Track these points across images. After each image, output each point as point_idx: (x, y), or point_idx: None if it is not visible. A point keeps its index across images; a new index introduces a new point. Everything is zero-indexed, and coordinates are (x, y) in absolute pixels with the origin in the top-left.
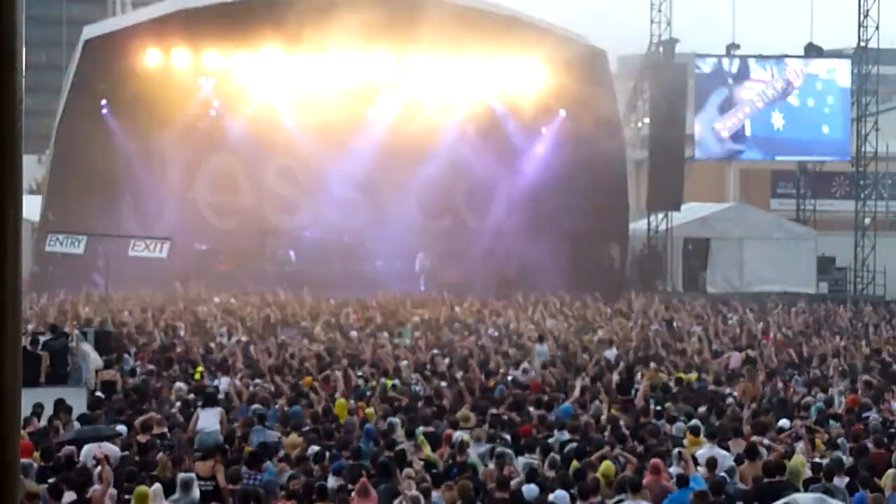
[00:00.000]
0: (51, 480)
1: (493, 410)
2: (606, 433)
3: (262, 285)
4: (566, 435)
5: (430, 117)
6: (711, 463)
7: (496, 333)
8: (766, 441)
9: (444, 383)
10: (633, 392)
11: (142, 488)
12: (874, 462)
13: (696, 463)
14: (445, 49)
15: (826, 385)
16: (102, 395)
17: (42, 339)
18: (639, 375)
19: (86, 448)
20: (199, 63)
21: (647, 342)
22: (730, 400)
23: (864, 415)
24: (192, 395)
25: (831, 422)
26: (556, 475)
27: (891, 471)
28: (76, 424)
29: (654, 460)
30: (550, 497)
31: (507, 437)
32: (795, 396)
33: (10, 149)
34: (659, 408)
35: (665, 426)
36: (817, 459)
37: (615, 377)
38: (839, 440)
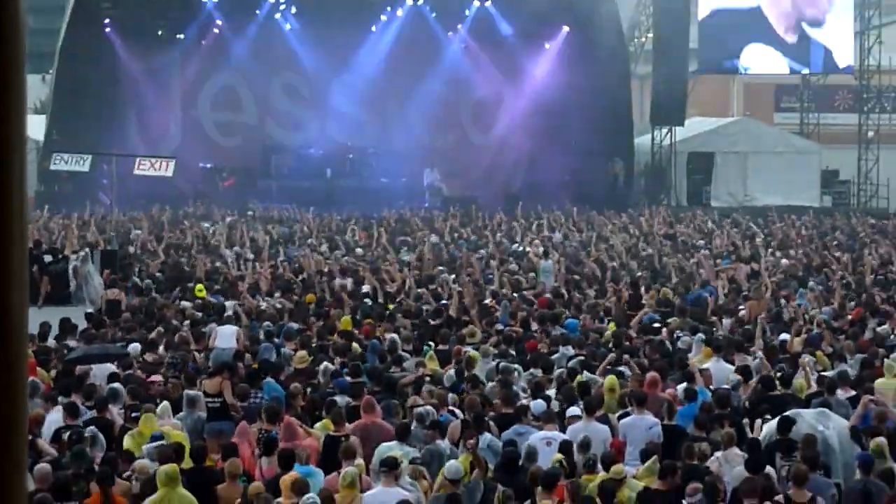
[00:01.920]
0: (64, 399)
1: (499, 326)
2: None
3: (267, 202)
4: (571, 350)
5: (434, 31)
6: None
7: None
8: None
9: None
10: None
11: (149, 406)
12: (876, 375)
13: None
14: None
15: (831, 298)
16: (107, 315)
17: (46, 259)
18: (643, 290)
19: (96, 368)
20: None
21: (651, 258)
22: (742, 312)
23: (872, 327)
24: (198, 314)
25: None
26: (562, 390)
27: (893, 382)
28: (73, 343)
29: (651, 374)
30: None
31: (513, 352)
32: (796, 310)
33: (13, 68)
34: (661, 324)
35: (666, 341)
36: (823, 372)
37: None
38: (845, 353)
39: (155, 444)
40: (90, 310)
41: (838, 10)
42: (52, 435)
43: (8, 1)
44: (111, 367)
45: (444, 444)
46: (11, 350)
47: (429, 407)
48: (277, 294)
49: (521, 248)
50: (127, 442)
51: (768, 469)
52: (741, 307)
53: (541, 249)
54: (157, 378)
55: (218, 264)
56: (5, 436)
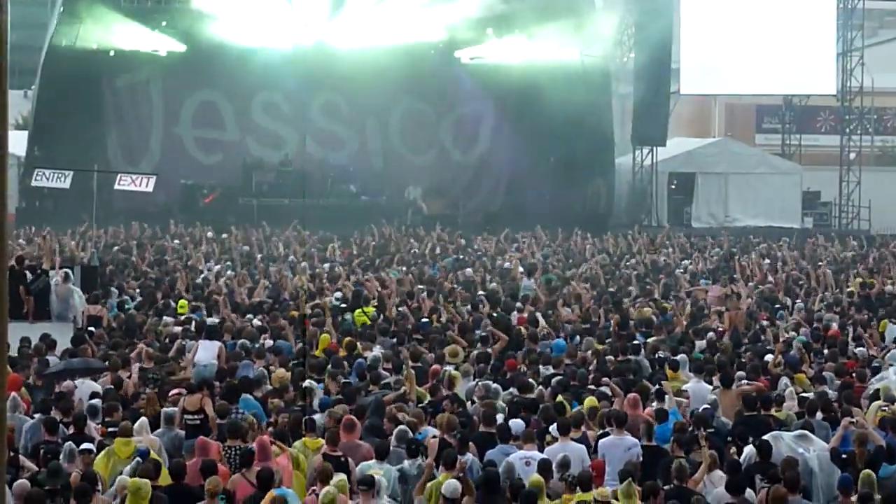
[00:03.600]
0: (40, 416)
1: (479, 346)
2: (592, 368)
3: (247, 219)
4: (551, 369)
5: (413, 50)
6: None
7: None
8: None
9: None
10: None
11: (126, 423)
12: (857, 396)
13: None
14: None
15: (812, 319)
16: (91, 330)
17: (27, 275)
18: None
19: (82, 384)
20: None
21: (629, 279)
22: (716, 329)
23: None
24: (177, 329)
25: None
26: (542, 409)
27: (874, 404)
28: (53, 360)
29: (631, 395)
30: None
31: (492, 371)
32: (774, 332)
33: None
34: (641, 342)
35: (646, 361)
36: (803, 394)
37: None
38: (825, 374)
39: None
40: (70, 326)
41: (820, 32)
42: (30, 449)
43: None
44: (94, 385)
45: (414, 463)
46: None
47: (401, 427)
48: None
49: (506, 265)
50: (98, 462)
51: (748, 491)
52: (712, 328)
53: (520, 269)
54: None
55: (199, 280)
56: None
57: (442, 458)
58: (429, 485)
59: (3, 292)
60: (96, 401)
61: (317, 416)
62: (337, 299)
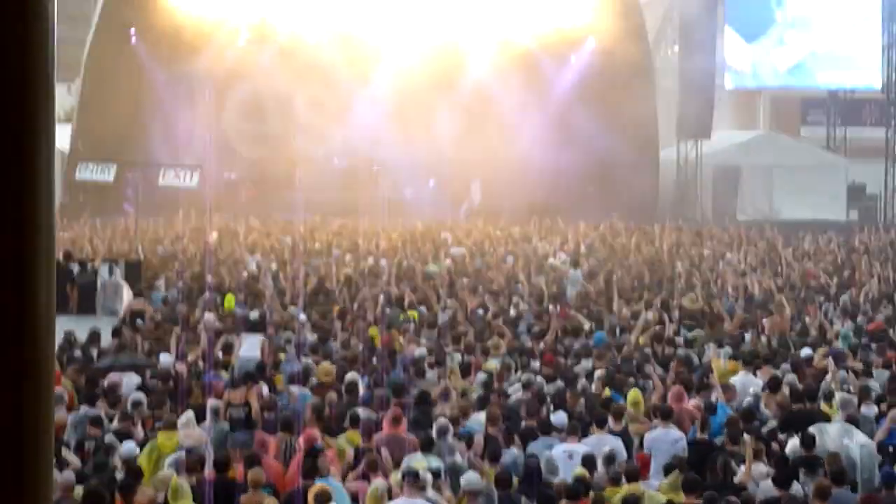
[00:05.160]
0: (87, 409)
1: (524, 338)
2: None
3: (292, 213)
4: (592, 362)
5: (458, 47)
6: (730, 389)
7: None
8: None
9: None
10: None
11: (170, 416)
12: None
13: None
14: None
15: (857, 312)
16: (134, 324)
17: (74, 269)
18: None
19: (126, 379)
20: None
21: (675, 271)
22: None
23: None
24: (220, 324)
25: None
26: (585, 403)
27: None
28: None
29: (676, 388)
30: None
31: (537, 364)
32: (825, 325)
33: (42, 77)
34: (688, 336)
35: (693, 355)
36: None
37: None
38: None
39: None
40: (115, 321)
41: (865, 24)
42: (75, 444)
43: (41, 10)
44: (138, 378)
45: (462, 458)
46: (39, 352)
47: (443, 420)
48: (301, 304)
49: (551, 261)
50: (143, 457)
51: (794, 484)
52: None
53: (567, 259)
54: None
55: (244, 273)
56: (34, 441)
57: (487, 452)
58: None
59: (51, 286)
60: (139, 394)
61: (360, 410)
62: (378, 293)
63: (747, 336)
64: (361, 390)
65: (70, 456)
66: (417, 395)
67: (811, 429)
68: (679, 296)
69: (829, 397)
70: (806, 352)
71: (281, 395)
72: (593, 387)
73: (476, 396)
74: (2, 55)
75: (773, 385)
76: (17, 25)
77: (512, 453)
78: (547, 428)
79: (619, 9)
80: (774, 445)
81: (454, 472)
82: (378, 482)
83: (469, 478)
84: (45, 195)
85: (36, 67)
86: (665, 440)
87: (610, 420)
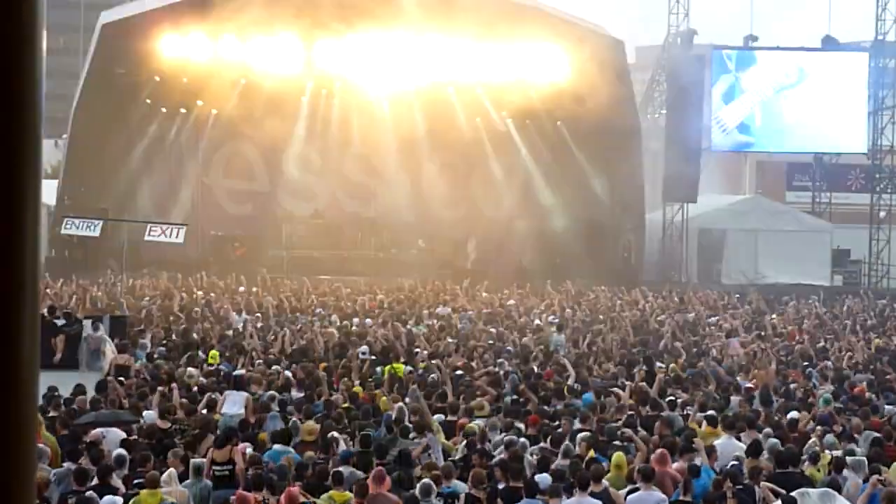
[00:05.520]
0: (70, 465)
1: (507, 399)
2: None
3: (277, 271)
4: (578, 424)
5: (448, 104)
6: (712, 452)
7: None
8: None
9: (459, 372)
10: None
11: (153, 473)
12: (886, 455)
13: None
14: (461, 32)
15: (841, 377)
16: (122, 379)
17: (59, 322)
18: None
19: (109, 432)
20: (217, 48)
21: (660, 335)
22: (749, 385)
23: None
24: (204, 380)
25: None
26: (569, 464)
27: None
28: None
29: (660, 450)
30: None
31: (521, 426)
32: (805, 389)
33: (30, 131)
34: (672, 398)
35: (678, 417)
36: (832, 452)
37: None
38: (857, 434)
39: None
40: (99, 376)
41: (851, 91)
42: (57, 500)
43: (30, 67)
44: (122, 434)
45: None
46: (21, 408)
47: (427, 481)
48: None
49: (536, 322)
50: None
51: None
52: (748, 383)
53: (554, 322)
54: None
55: (228, 332)
56: (14, 496)
57: None
58: None
59: (35, 339)
60: (122, 451)
61: (343, 469)
62: (363, 353)
63: (733, 399)
64: (342, 447)
65: None
66: (398, 454)
67: (794, 493)
68: (664, 358)
69: (814, 460)
70: (792, 415)
71: (264, 453)
72: (577, 448)
73: (459, 457)
74: None
75: (754, 450)
76: (5, 80)
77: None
78: (532, 490)
79: (610, 74)
80: None
81: None
82: None
83: None
84: (31, 249)
85: (23, 121)
86: (648, 501)
87: (591, 482)
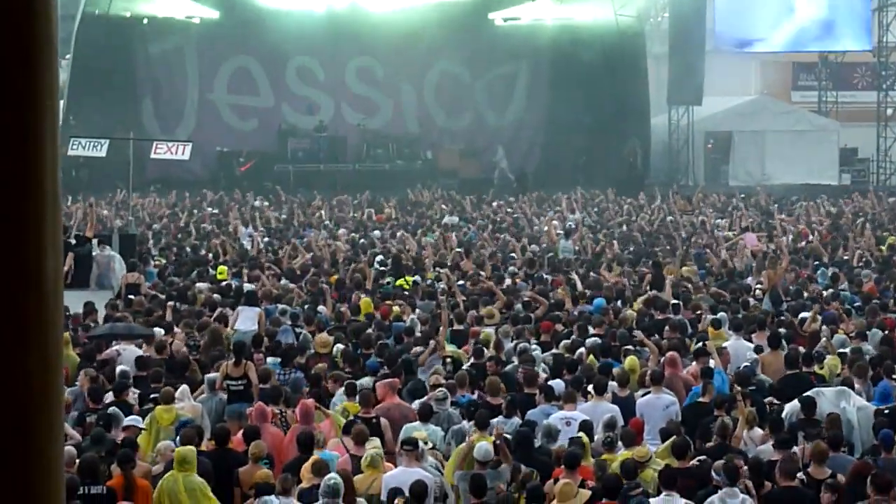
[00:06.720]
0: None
1: (518, 306)
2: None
3: (284, 185)
4: (591, 329)
5: (450, 13)
6: (723, 354)
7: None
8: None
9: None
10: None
11: (167, 389)
12: None
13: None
14: None
15: (852, 275)
16: (131, 297)
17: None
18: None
19: (125, 350)
20: None
21: (670, 237)
22: (758, 287)
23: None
24: (216, 296)
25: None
26: (581, 369)
27: None
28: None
29: (671, 353)
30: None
31: (532, 332)
32: (815, 289)
33: (46, 56)
34: (680, 301)
35: (685, 320)
36: (842, 350)
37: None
38: (869, 331)
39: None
40: (110, 293)
41: None
42: (75, 418)
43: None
44: (138, 351)
45: (467, 424)
46: (47, 323)
47: (444, 388)
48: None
49: (544, 228)
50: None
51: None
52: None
53: (559, 229)
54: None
55: (235, 246)
56: (45, 414)
57: (475, 419)
58: (461, 448)
59: (57, 246)
60: (127, 369)
61: (363, 380)
62: (380, 263)
63: (751, 301)
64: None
65: (70, 430)
66: (404, 364)
67: (809, 393)
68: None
69: (820, 359)
70: (802, 315)
71: (275, 365)
72: (590, 354)
73: (469, 364)
74: (5, 21)
75: (774, 343)
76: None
77: (514, 423)
78: (548, 396)
79: None
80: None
81: (460, 440)
82: (372, 450)
83: (483, 448)
84: (50, 165)
85: (36, 43)
86: (656, 405)
87: (615, 387)
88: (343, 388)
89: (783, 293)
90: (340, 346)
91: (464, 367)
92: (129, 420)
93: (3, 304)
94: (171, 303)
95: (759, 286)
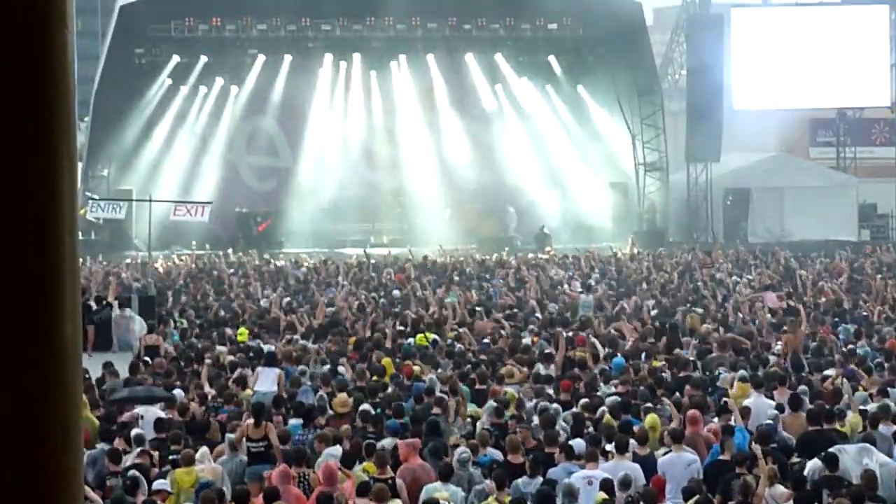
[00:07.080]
0: (104, 445)
1: (539, 366)
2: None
3: (301, 245)
4: (611, 388)
5: (464, 71)
6: (744, 412)
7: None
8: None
9: (486, 340)
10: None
11: (188, 451)
12: None
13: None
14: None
15: (872, 331)
16: (147, 360)
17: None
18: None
19: (146, 412)
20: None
21: (688, 293)
22: (777, 347)
23: None
24: (232, 357)
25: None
26: (601, 428)
27: None
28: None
29: (692, 411)
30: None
31: (551, 391)
32: (835, 345)
33: (64, 114)
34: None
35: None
36: (863, 407)
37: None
38: (891, 387)
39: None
40: (129, 356)
41: (873, 43)
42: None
43: (59, 50)
44: (159, 413)
45: (489, 482)
46: (66, 381)
47: (466, 449)
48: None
49: (564, 287)
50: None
51: None
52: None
53: (578, 285)
54: None
55: (254, 307)
56: (63, 471)
57: (494, 478)
58: None
59: (76, 313)
60: (142, 432)
61: (384, 441)
62: (400, 322)
63: (771, 359)
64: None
65: (91, 493)
66: (428, 425)
67: (832, 450)
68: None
69: (842, 416)
70: (826, 373)
71: (296, 427)
72: (609, 413)
73: (488, 424)
74: (27, 87)
75: (795, 404)
76: (40, 59)
77: (537, 482)
78: (568, 455)
79: (629, 37)
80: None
81: (482, 499)
82: None
83: None
84: (69, 237)
85: (57, 102)
86: (678, 463)
87: (635, 446)
88: (332, 448)
89: (803, 351)
90: (364, 406)
91: (484, 426)
92: (158, 484)
93: (22, 367)
94: (190, 368)
95: (778, 345)
